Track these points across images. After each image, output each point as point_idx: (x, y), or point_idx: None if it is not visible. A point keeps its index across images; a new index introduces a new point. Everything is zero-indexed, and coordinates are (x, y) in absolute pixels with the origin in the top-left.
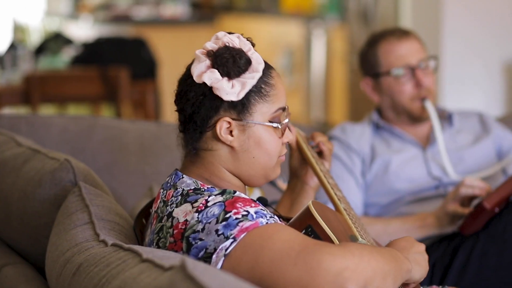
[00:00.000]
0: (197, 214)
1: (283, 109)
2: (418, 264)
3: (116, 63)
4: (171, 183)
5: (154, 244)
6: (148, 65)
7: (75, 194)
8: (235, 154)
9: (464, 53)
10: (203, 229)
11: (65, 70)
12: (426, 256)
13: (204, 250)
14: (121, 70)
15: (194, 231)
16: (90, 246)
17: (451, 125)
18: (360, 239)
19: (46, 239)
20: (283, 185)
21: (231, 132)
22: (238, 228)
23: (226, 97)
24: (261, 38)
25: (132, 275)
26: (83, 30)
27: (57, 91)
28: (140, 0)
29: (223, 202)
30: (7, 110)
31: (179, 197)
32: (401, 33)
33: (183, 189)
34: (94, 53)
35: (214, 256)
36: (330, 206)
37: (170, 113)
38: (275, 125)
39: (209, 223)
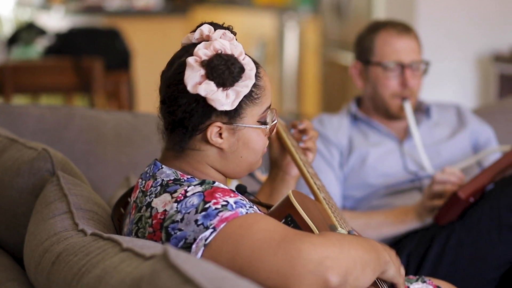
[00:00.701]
0: (176, 204)
1: (269, 107)
2: (392, 259)
3: (90, 54)
4: (150, 174)
5: (133, 234)
6: (122, 55)
7: (53, 184)
8: (223, 155)
9: (438, 46)
10: (182, 219)
11: (38, 60)
12: (398, 259)
13: (183, 240)
14: (95, 61)
15: (173, 221)
16: (69, 236)
17: (428, 118)
18: (339, 228)
19: (24, 229)
20: (261, 176)
21: (220, 135)
22: (217, 218)
23: (221, 108)
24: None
25: (113, 264)
26: (55, 21)
27: (30, 81)
28: None
29: (202, 192)
30: None
31: (158, 188)
32: (403, 29)
33: (163, 180)
34: (68, 44)
35: (193, 246)
36: (311, 195)
37: (144, 104)
38: (266, 127)
39: (188, 213)
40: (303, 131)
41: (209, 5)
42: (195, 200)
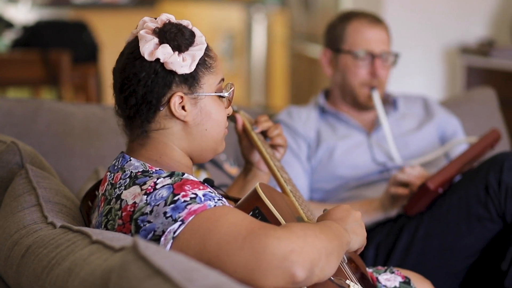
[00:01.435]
0: (145, 196)
1: (223, 80)
2: (355, 234)
3: (57, 47)
4: (119, 166)
5: (103, 226)
6: (90, 48)
7: (22, 177)
8: (188, 129)
9: (405, 38)
10: (151, 211)
11: (5, 53)
12: (362, 224)
13: (152, 232)
14: (62, 54)
15: (143, 214)
16: (38, 228)
17: (396, 110)
18: (306, 220)
19: None
20: (230, 169)
21: (183, 107)
22: (186, 210)
23: (180, 70)
24: (202, 23)
25: (82, 256)
26: (22, 14)
27: None
28: None
29: (172, 184)
30: None
31: (128, 180)
32: (375, 20)
33: (131, 172)
34: (35, 37)
35: (162, 238)
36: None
37: (112, 97)
38: (224, 94)
39: (158, 205)
40: (266, 132)
41: None
42: (164, 193)
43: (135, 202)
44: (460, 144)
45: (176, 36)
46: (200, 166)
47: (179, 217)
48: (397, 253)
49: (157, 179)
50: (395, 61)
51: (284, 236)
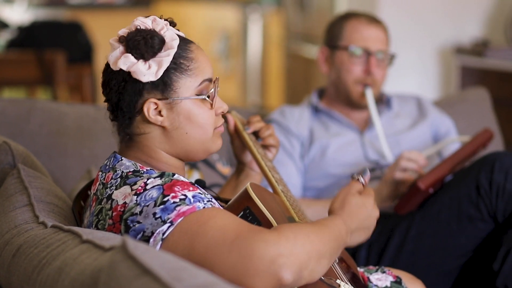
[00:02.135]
0: (135, 196)
1: (209, 80)
2: (362, 231)
3: (52, 47)
4: (110, 166)
5: (93, 226)
6: (85, 49)
7: (14, 176)
8: (167, 134)
9: (400, 38)
10: (141, 212)
11: (1, 53)
12: (374, 224)
13: (141, 233)
14: (57, 54)
15: (132, 214)
16: (29, 228)
17: (389, 109)
18: (297, 220)
19: None
20: (223, 168)
21: (159, 112)
22: (175, 212)
23: (144, 79)
24: (198, 23)
25: (73, 256)
26: (18, 14)
27: None
28: None
29: (162, 185)
30: None
31: (119, 180)
32: (373, 19)
33: (122, 171)
34: (30, 37)
35: (151, 239)
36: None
37: None
38: (201, 97)
39: (147, 206)
40: (258, 132)
41: None
42: (154, 193)
43: (125, 202)
44: (452, 143)
45: (139, 44)
46: (192, 165)
47: (168, 219)
48: (389, 253)
49: (148, 179)
50: (391, 61)
51: (272, 240)
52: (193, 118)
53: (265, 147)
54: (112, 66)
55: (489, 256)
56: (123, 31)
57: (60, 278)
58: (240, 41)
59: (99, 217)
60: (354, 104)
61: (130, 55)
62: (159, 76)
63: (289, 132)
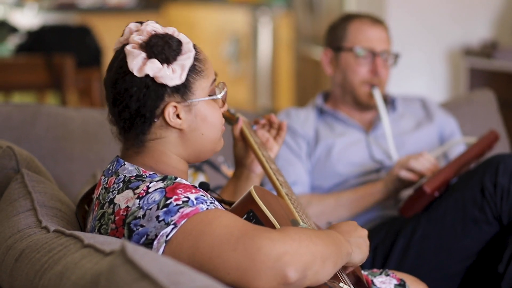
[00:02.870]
0: (138, 200)
1: (215, 80)
2: (359, 248)
3: (61, 51)
4: (113, 170)
5: (96, 230)
6: (93, 53)
7: (17, 181)
8: (184, 136)
9: (408, 40)
10: (144, 215)
11: (10, 58)
12: (367, 242)
13: (145, 236)
14: (66, 58)
15: (135, 218)
16: (32, 233)
17: (394, 110)
18: (301, 223)
19: None
20: (228, 171)
21: (178, 115)
22: (178, 214)
23: (171, 83)
24: (208, 26)
25: (74, 260)
26: (28, 18)
27: (2, 79)
28: None
29: (164, 188)
30: None
31: (121, 184)
32: (376, 20)
33: (125, 176)
34: (39, 41)
35: (155, 242)
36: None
37: None
38: (218, 96)
39: (150, 209)
40: (269, 124)
41: (182, 1)
42: (156, 196)
43: (127, 206)
44: (458, 144)
45: (163, 49)
46: (197, 168)
47: (172, 221)
48: (395, 256)
49: (150, 183)
50: (396, 61)
51: (278, 238)
52: (208, 118)
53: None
54: (137, 73)
55: (494, 258)
56: (138, 38)
57: (61, 282)
58: (250, 44)
59: (102, 221)
60: (362, 104)
61: (155, 60)
62: (183, 79)
63: (295, 133)
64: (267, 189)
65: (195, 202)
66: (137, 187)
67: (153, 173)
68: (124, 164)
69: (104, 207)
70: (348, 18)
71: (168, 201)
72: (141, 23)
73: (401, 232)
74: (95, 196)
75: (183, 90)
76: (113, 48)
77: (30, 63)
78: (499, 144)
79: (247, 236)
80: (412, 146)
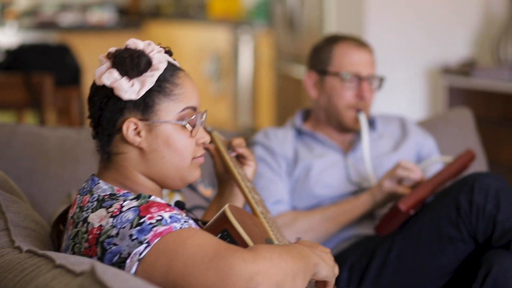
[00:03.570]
0: (112, 219)
1: (194, 109)
2: (323, 261)
3: (40, 70)
4: (88, 189)
5: (70, 249)
6: (73, 71)
7: None
8: (145, 156)
9: (387, 59)
10: (117, 234)
11: None
12: (331, 257)
13: (118, 255)
14: (45, 77)
15: (109, 236)
16: (5, 253)
17: (373, 130)
18: (276, 242)
19: None
20: (205, 190)
21: (138, 133)
22: (152, 233)
23: (125, 96)
24: (189, 45)
25: (45, 280)
26: (8, 37)
27: None
28: (66, 7)
29: (138, 207)
30: None
31: (95, 203)
32: (362, 43)
33: (99, 195)
34: (18, 60)
35: (128, 261)
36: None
37: None
38: (183, 123)
39: (124, 228)
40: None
41: (163, 20)
42: (130, 215)
43: (101, 225)
44: (434, 163)
45: (125, 62)
46: None
47: (145, 239)
48: (371, 275)
49: (124, 201)
50: (381, 84)
51: (250, 258)
52: (171, 143)
53: (242, 163)
54: (96, 81)
55: (470, 276)
56: (113, 49)
57: None
58: (231, 63)
59: (75, 240)
60: (346, 129)
61: (115, 70)
62: (140, 96)
63: (274, 152)
64: (242, 208)
65: (168, 220)
66: (111, 206)
67: (127, 192)
68: (99, 183)
69: (78, 226)
70: (333, 41)
71: (142, 220)
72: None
73: (377, 250)
74: (70, 215)
75: (144, 108)
76: None
77: (9, 81)
78: (476, 162)
79: (220, 256)
80: (391, 166)
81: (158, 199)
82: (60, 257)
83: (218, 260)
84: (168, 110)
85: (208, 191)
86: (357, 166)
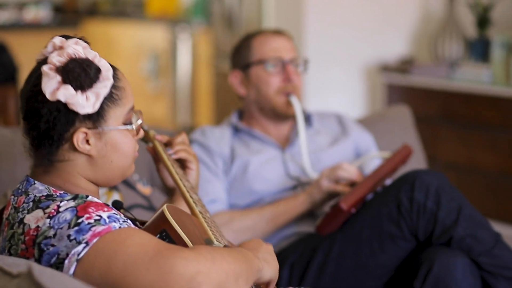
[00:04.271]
0: (48, 220)
1: (132, 109)
2: (268, 264)
3: None
4: (23, 190)
5: (6, 251)
6: (9, 70)
7: None
8: (93, 162)
9: (326, 56)
10: (55, 234)
11: None
12: (274, 256)
13: (56, 256)
14: None
15: (46, 237)
16: None
17: (310, 126)
18: (215, 242)
19: None
20: (143, 188)
21: (87, 141)
22: (90, 233)
23: (83, 111)
24: (126, 43)
25: None
26: None
27: None
28: (1, 4)
29: (75, 207)
30: None
31: (31, 204)
32: (279, 31)
33: (35, 196)
34: None
35: (66, 261)
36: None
37: None
38: (130, 127)
39: (61, 228)
40: (168, 144)
41: (100, 18)
42: (67, 215)
43: (38, 226)
44: (372, 159)
45: (79, 76)
46: (112, 187)
47: (83, 239)
48: (311, 273)
49: (61, 202)
50: (306, 67)
51: (191, 257)
52: (119, 147)
53: (183, 166)
54: (49, 97)
55: (411, 274)
56: (57, 60)
57: None
58: (170, 60)
59: (12, 242)
60: (281, 115)
61: (69, 86)
62: (96, 108)
63: (211, 150)
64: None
65: (107, 220)
66: (48, 207)
67: (64, 193)
68: (34, 184)
69: (14, 227)
70: (249, 36)
71: (80, 220)
72: (67, 37)
73: (317, 249)
74: (4, 216)
75: (95, 118)
76: (35, 58)
77: None
78: (415, 159)
79: (160, 255)
80: (328, 162)
81: (96, 199)
82: None
83: (159, 259)
84: (116, 115)
85: (146, 189)
86: (295, 160)
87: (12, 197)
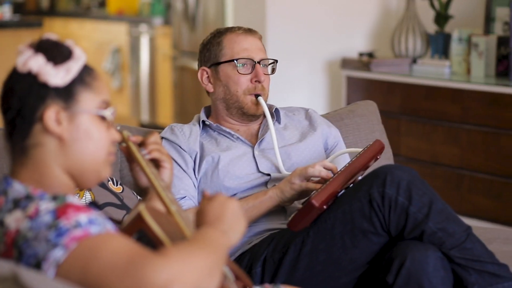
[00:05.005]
0: (28, 221)
1: (106, 103)
2: (234, 230)
3: None
4: (1, 190)
5: None
6: None
7: None
8: (64, 146)
9: (288, 53)
10: (33, 236)
11: None
12: (239, 212)
13: (35, 258)
14: None
15: (25, 239)
16: None
17: (277, 121)
18: None
19: None
20: (114, 187)
21: (59, 122)
22: (67, 236)
23: (52, 81)
24: (87, 41)
25: None
26: None
27: None
28: None
29: (55, 209)
30: None
31: (11, 204)
32: (248, 30)
33: (14, 196)
34: None
35: (45, 264)
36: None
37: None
38: (103, 113)
39: (40, 230)
40: (141, 145)
41: (61, 17)
42: (46, 217)
43: (18, 227)
44: (343, 154)
45: (52, 51)
46: None
47: (61, 243)
48: (284, 269)
49: (40, 202)
50: (275, 68)
51: (162, 264)
52: (91, 133)
53: (157, 165)
54: (21, 67)
55: (384, 269)
56: (32, 41)
57: None
58: (130, 58)
59: None
60: (248, 115)
61: (41, 56)
62: (66, 82)
63: (180, 148)
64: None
65: (86, 224)
66: (27, 208)
67: (42, 192)
68: (13, 184)
69: None
70: (220, 33)
71: (58, 222)
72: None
73: (290, 245)
74: None
75: (66, 96)
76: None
77: None
78: (383, 155)
79: (133, 265)
80: (298, 157)
81: (76, 201)
82: None
83: (131, 269)
84: (89, 99)
85: (118, 188)
86: (265, 156)
87: None
